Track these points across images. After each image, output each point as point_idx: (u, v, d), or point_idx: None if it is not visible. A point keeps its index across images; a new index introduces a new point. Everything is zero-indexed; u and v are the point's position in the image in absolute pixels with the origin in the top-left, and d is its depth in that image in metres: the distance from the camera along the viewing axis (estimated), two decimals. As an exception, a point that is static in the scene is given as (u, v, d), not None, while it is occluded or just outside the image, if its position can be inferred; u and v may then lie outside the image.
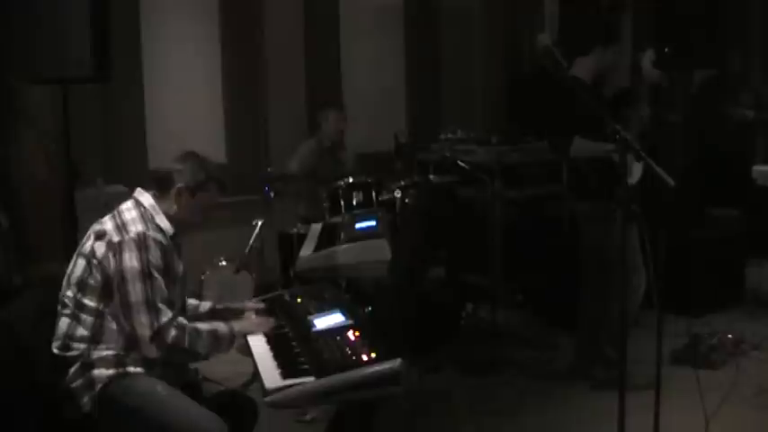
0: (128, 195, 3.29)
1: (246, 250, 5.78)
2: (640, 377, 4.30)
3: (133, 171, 6.46)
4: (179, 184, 3.22)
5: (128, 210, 3.18)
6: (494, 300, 5.79)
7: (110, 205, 3.28)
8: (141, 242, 3.05)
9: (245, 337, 3.26)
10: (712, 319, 5.84)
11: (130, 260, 3.02)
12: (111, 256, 3.04)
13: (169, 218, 3.21)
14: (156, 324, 2.97)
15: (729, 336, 5.31)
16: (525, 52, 8.60)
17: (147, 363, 3.07)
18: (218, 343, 3.17)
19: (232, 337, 3.21)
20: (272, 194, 5.81)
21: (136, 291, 2.99)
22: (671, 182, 3.33)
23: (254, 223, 5.79)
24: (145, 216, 3.16)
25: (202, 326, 3.16)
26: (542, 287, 6.26)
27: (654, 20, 7.82)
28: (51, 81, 4.96)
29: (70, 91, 4.93)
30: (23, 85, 5.62)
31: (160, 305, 3.01)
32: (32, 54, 4.68)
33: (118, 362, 3.03)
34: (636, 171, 4.64)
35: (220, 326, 3.22)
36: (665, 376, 3.60)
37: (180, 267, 3.25)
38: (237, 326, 3.29)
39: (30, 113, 6.13)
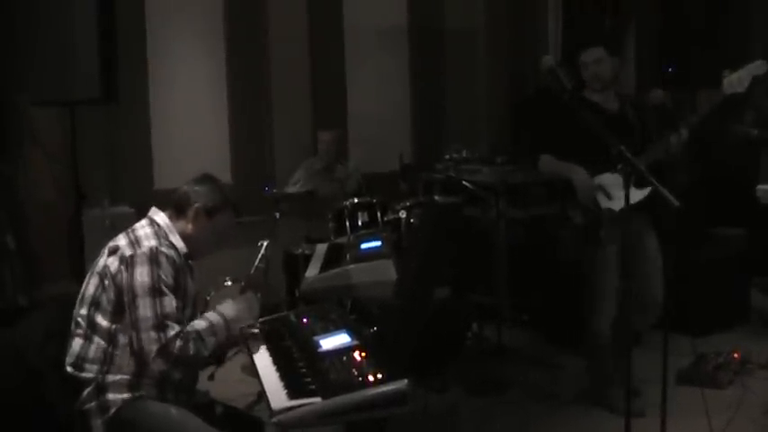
0: (133, 215, 3.30)
1: (252, 271, 5.78)
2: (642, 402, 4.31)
3: (139, 192, 6.49)
4: (196, 205, 3.25)
5: (142, 227, 3.21)
6: (499, 319, 5.79)
7: (116, 226, 3.30)
8: (153, 257, 3.05)
9: (239, 329, 3.28)
10: (718, 339, 5.82)
11: (141, 275, 3.02)
12: (123, 269, 3.05)
13: (183, 238, 3.23)
14: (163, 339, 2.96)
15: (735, 355, 5.29)
16: (529, 72, 8.63)
17: (160, 386, 3.08)
18: (216, 336, 3.14)
19: (227, 325, 3.19)
20: (277, 215, 5.84)
21: (145, 306, 2.99)
22: (675, 203, 3.34)
23: (259, 244, 5.79)
24: (159, 233, 3.18)
25: (200, 324, 3.12)
26: (548, 306, 6.25)
27: (657, 38, 7.84)
28: (58, 103, 4.99)
29: (77, 112, 4.96)
30: (30, 106, 5.64)
31: (168, 322, 3.00)
32: (40, 76, 4.72)
33: (131, 386, 3.04)
34: (618, 197, 4.48)
35: (213, 317, 3.18)
36: (671, 396, 3.59)
37: (192, 288, 3.26)
38: (228, 312, 3.24)
39: (37, 135, 6.17)
